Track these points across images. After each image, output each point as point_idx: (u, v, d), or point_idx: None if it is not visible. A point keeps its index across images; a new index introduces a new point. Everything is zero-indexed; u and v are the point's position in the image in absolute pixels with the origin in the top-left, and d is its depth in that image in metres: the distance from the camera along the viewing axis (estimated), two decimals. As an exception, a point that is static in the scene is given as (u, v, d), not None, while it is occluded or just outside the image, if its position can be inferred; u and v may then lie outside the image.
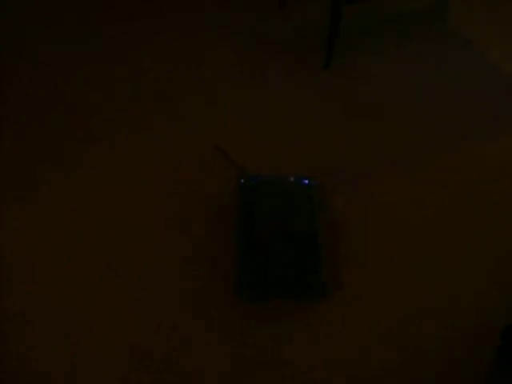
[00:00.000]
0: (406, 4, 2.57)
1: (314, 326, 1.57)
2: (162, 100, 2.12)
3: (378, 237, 1.75)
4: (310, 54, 2.31)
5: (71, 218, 1.77)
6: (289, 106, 2.12)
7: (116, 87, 2.16)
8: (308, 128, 2.05)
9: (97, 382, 1.45)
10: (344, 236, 1.75)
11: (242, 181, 1.78)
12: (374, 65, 2.29)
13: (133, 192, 1.84)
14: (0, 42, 2.32)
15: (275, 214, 1.69)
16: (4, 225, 1.75)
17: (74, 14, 2.45)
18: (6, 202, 1.81)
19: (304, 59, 2.30)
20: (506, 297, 1.62)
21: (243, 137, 2.00)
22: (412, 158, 1.97)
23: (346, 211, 1.81)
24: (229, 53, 2.31)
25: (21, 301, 1.59)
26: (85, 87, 2.17)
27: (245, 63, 2.28)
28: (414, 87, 2.21)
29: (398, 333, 1.56)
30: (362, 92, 2.18)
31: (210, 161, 1.92)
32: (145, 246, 1.71)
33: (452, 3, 2.59)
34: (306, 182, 1.79)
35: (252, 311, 1.58)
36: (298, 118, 2.08)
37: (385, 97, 2.17)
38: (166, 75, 2.21)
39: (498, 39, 2.42)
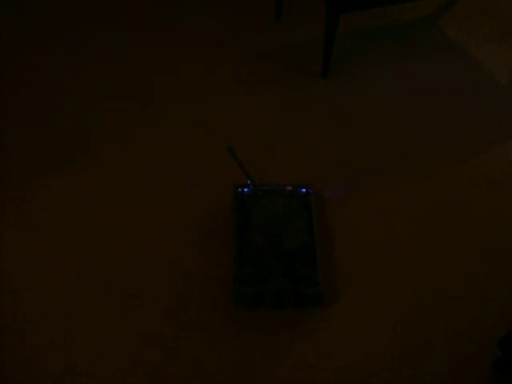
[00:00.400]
0: (403, 15, 2.57)
1: (313, 333, 1.57)
2: (162, 108, 2.13)
3: (374, 244, 1.76)
4: (309, 63, 2.32)
5: (70, 225, 1.78)
6: (286, 115, 2.12)
7: (114, 95, 2.17)
8: (305, 137, 2.05)
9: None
10: (341, 244, 1.75)
11: (239, 189, 1.78)
12: (371, 75, 2.30)
13: (130, 200, 1.85)
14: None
15: (272, 223, 1.68)
16: (4, 228, 1.77)
17: (63, 23, 2.46)
18: (5, 204, 1.82)
19: (302, 68, 2.30)
20: (505, 302, 1.62)
21: (239, 145, 2.00)
22: (408, 167, 1.98)
23: (342, 220, 1.82)
24: (227, 62, 2.31)
25: (20, 303, 1.61)
26: (84, 90, 2.18)
27: (242, 72, 2.28)
28: (412, 97, 2.21)
29: (397, 338, 1.56)
30: (359, 102, 2.19)
31: (209, 168, 1.92)
32: (142, 255, 1.72)
33: (448, 13, 2.60)
34: (304, 190, 1.78)
35: (251, 321, 1.59)
36: (295, 127, 2.08)
37: (383, 107, 2.17)
38: (166, 84, 2.22)
39: (494, 47, 2.43)
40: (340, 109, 2.15)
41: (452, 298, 1.64)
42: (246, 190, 1.76)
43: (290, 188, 1.78)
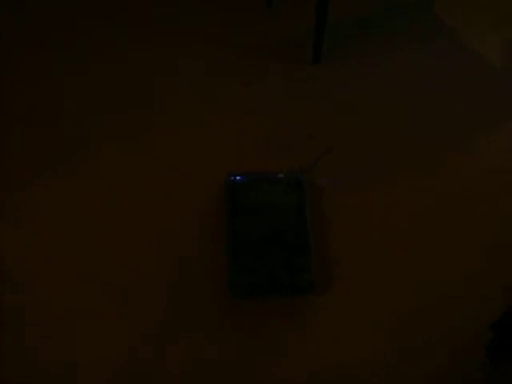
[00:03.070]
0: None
1: (311, 324, 1.58)
2: (162, 108, 2.12)
3: (371, 237, 1.76)
4: (300, 50, 2.30)
5: (70, 225, 1.78)
6: (283, 108, 2.12)
7: (114, 95, 2.16)
8: (299, 126, 2.05)
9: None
10: (335, 232, 1.75)
11: (231, 177, 1.76)
12: (366, 62, 2.29)
13: (130, 200, 1.84)
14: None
15: (264, 211, 1.67)
16: (4, 228, 1.77)
17: (63, 23, 2.45)
18: (5, 204, 1.82)
19: (294, 56, 2.29)
20: (505, 302, 1.62)
21: (231, 134, 2.00)
22: (406, 159, 1.98)
23: (338, 211, 1.81)
24: (226, 61, 2.29)
25: (20, 303, 1.61)
26: (84, 90, 2.18)
27: (234, 61, 2.27)
28: (408, 85, 2.21)
29: (394, 332, 1.57)
30: (355, 90, 2.18)
31: (209, 168, 1.91)
32: (142, 255, 1.72)
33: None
34: (296, 177, 1.77)
35: (248, 314, 1.59)
36: (291, 119, 2.08)
37: (378, 96, 2.17)
38: (166, 84, 2.21)
39: (491, 32, 2.41)
40: (336, 99, 2.15)
41: (453, 292, 1.65)
42: (238, 177, 1.74)
43: (282, 175, 1.77)
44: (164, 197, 1.84)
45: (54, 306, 1.60)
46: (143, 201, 1.83)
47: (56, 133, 2.02)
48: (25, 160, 1.94)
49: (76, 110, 2.10)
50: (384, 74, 2.25)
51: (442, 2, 2.55)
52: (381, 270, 1.69)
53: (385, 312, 1.60)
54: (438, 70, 2.27)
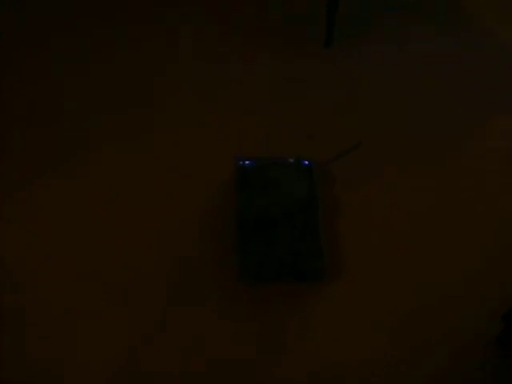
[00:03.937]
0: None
1: (315, 310, 1.60)
2: (162, 108, 2.12)
3: (369, 233, 1.76)
4: (301, 50, 2.30)
5: (70, 225, 1.78)
6: (278, 104, 2.12)
7: (114, 95, 2.16)
8: (299, 126, 2.05)
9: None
10: (344, 218, 1.76)
11: (241, 162, 1.75)
12: (364, 63, 2.29)
13: (130, 200, 1.84)
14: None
15: (274, 195, 1.66)
16: (4, 228, 1.77)
17: (63, 23, 2.45)
18: (5, 204, 1.82)
19: (294, 56, 2.29)
20: (505, 302, 1.62)
21: (231, 134, 2.00)
22: (402, 155, 1.98)
23: (345, 194, 1.82)
24: (226, 61, 2.30)
25: (20, 303, 1.61)
26: (84, 90, 2.18)
27: (234, 61, 2.27)
28: (407, 86, 2.21)
29: (391, 329, 1.57)
30: (352, 90, 2.18)
31: (209, 168, 1.92)
32: (142, 255, 1.72)
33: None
34: (306, 163, 1.76)
35: (246, 312, 1.60)
36: (287, 116, 2.08)
37: (377, 95, 2.17)
38: (166, 84, 2.21)
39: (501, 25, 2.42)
40: (336, 98, 2.15)
41: (451, 298, 1.64)
42: (247, 162, 1.74)
43: (292, 160, 1.76)
44: (164, 197, 1.84)
45: (54, 306, 1.60)
46: (143, 201, 1.83)
47: (56, 133, 2.02)
48: (25, 160, 1.94)
49: (76, 110, 2.10)
50: (384, 74, 2.25)
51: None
52: (381, 269, 1.69)
53: (385, 312, 1.60)
54: (438, 69, 2.27)
